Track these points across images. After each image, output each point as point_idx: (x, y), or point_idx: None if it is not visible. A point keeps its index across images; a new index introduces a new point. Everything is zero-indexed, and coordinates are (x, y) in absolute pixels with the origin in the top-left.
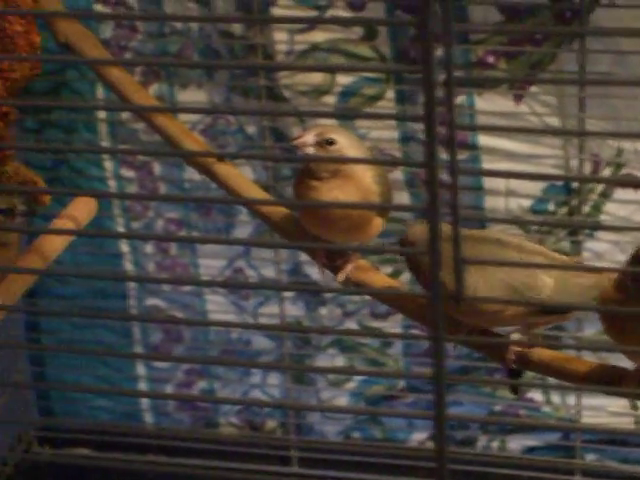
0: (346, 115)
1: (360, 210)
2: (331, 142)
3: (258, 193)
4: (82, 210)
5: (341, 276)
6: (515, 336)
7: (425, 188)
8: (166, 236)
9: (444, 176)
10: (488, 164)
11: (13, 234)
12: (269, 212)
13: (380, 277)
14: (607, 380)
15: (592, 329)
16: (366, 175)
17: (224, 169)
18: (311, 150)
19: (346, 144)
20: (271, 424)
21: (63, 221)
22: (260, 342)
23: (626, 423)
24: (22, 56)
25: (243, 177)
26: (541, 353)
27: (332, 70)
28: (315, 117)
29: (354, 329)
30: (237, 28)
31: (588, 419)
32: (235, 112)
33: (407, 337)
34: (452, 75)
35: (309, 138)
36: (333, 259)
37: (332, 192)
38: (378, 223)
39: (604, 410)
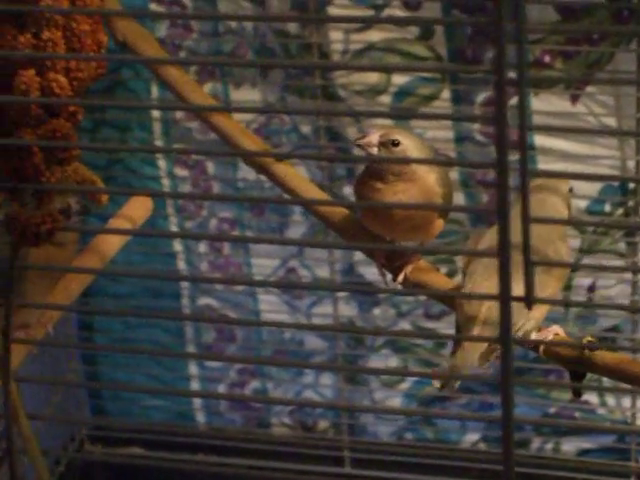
0: (408, 115)
1: (424, 212)
2: (396, 143)
3: (317, 193)
4: (138, 209)
5: (400, 277)
6: None
7: (483, 188)
8: (220, 236)
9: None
10: (544, 165)
11: (70, 234)
12: (328, 212)
13: (441, 278)
14: None
15: None
16: (430, 177)
17: (282, 169)
18: (375, 150)
19: (410, 145)
20: (323, 424)
21: (119, 221)
22: (313, 342)
23: None
24: (88, 55)
25: (301, 177)
26: (604, 356)
27: (406, 69)
28: (374, 117)
29: (410, 330)
30: (292, 27)
31: None
32: (288, 111)
33: (470, 339)
34: (524, 75)
35: (374, 138)
36: (393, 260)
37: (397, 195)
38: (439, 224)
39: None
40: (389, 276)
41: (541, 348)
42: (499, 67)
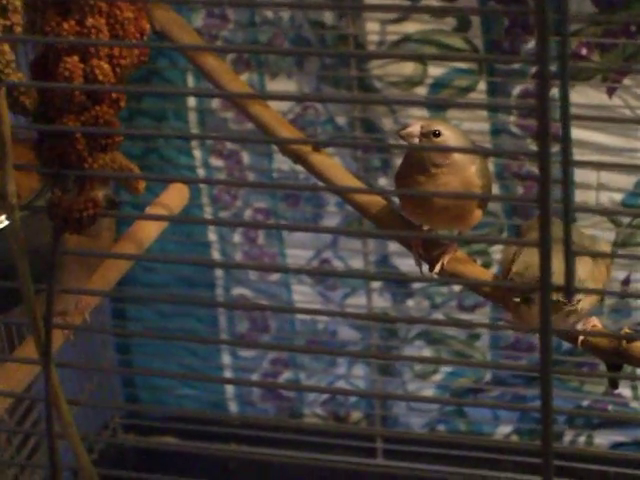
0: (445, 104)
1: (464, 202)
2: (437, 134)
3: (354, 183)
4: (175, 198)
5: (438, 267)
6: None
7: (518, 181)
8: (252, 222)
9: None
10: (579, 157)
11: (107, 224)
12: (365, 202)
13: (478, 269)
14: None
15: None
16: (470, 168)
17: (319, 159)
18: (416, 141)
19: (451, 136)
20: (356, 415)
21: (156, 208)
22: (346, 333)
23: None
24: (131, 42)
25: (339, 167)
26: None
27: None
28: (411, 105)
29: (444, 319)
30: (328, 18)
31: None
32: (323, 100)
33: (512, 328)
34: (567, 67)
35: (415, 129)
36: (430, 250)
37: (438, 187)
38: (478, 214)
39: None
40: (426, 267)
41: (580, 339)
42: (542, 58)
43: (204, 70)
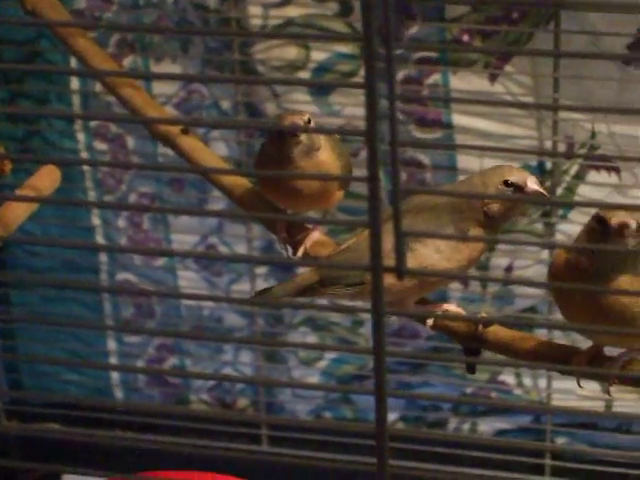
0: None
1: (324, 182)
2: (309, 120)
3: (221, 165)
4: (45, 179)
5: (300, 251)
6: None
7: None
8: (134, 205)
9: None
10: (462, 143)
11: None
12: (231, 185)
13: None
14: (559, 358)
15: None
16: (324, 152)
17: (188, 141)
18: (304, 137)
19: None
20: (242, 402)
21: (26, 190)
22: (232, 319)
23: (597, 407)
24: None
25: (208, 150)
26: (498, 332)
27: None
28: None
29: (327, 305)
30: (212, 1)
31: (559, 402)
32: (204, 80)
33: (344, 310)
34: (392, 47)
35: (300, 121)
36: (294, 234)
37: (298, 168)
38: (339, 195)
39: (575, 393)
40: (290, 250)
41: (429, 321)
42: (368, 38)
43: (76, 51)
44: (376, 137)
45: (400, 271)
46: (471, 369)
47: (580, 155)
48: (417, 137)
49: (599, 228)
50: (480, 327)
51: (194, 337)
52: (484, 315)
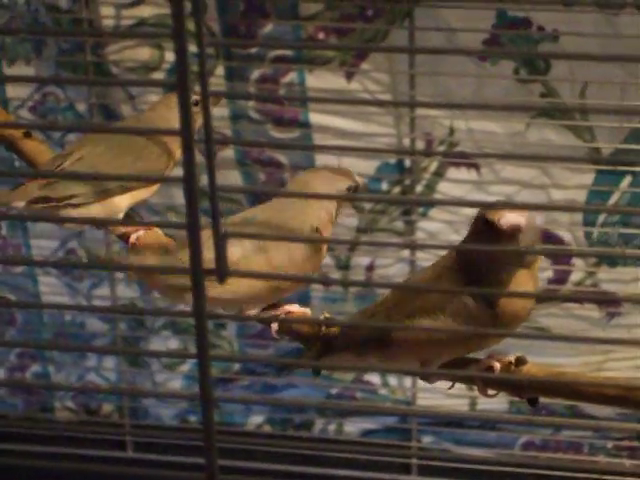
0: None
1: None
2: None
3: None
4: None
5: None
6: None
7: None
8: None
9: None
10: (320, 142)
11: None
12: None
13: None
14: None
15: None
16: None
17: (31, 145)
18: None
19: None
20: (107, 408)
21: None
22: (94, 324)
23: (462, 405)
24: None
25: (50, 153)
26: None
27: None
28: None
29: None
30: (64, 2)
31: (424, 401)
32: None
33: (167, 314)
34: (203, 42)
35: None
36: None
37: None
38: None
39: (440, 392)
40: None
41: (274, 326)
42: (180, 33)
43: None
44: (192, 137)
45: (221, 274)
46: (318, 372)
47: (439, 153)
48: (275, 137)
49: (486, 230)
50: (324, 328)
51: (56, 348)
52: (327, 315)
